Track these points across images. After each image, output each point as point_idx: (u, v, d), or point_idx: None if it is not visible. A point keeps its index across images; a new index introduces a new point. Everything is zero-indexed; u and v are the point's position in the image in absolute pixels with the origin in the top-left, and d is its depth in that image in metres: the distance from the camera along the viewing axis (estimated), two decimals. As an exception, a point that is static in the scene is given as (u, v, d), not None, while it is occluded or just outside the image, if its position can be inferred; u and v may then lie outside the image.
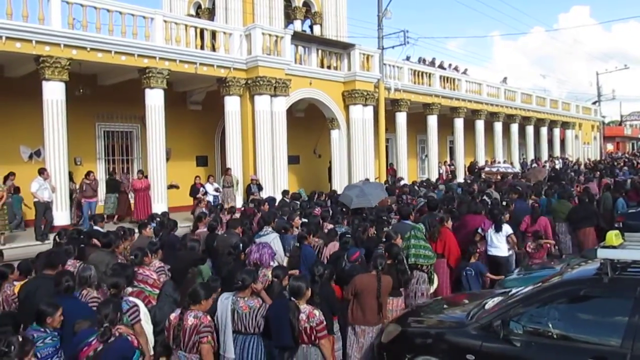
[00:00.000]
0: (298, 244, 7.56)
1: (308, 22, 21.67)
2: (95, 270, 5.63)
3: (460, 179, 22.77)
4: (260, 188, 15.39)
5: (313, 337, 4.69)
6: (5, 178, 12.13)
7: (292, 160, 18.94)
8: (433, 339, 5.21)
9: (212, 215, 10.27)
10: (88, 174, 13.31)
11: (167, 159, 14.95)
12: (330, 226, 9.04)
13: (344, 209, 11.27)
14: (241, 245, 7.03)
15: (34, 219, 11.68)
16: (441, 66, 25.58)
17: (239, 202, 15.30)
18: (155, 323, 5.27)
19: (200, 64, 14.90)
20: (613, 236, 4.34)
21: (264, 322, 4.91)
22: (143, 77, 13.93)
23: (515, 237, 8.94)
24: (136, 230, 9.01)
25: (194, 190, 15.34)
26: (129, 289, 5.57)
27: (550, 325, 4.37)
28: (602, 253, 4.24)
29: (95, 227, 9.41)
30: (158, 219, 9.94)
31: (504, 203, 11.11)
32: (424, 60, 25.16)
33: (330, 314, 5.44)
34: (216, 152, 19.05)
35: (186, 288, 5.32)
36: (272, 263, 6.38)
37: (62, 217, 12.24)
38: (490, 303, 5.23)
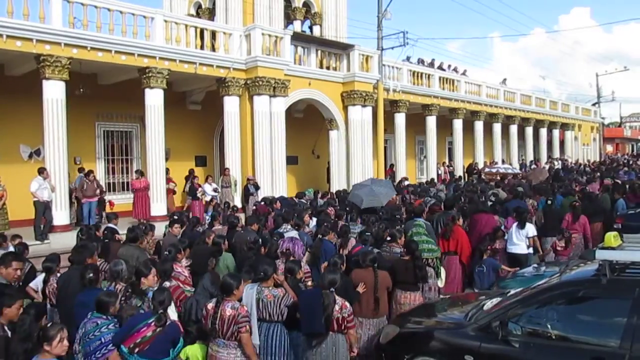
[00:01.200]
0: (321, 239, 7.83)
1: (308, 22, 21.65)
2: (125, 264, 6.00)
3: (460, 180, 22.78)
4: (257, 188, 15.41)
5: (343, 327, 5.07)
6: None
7: (291, 160, 18.94)
8: (431, 339, 5.23)
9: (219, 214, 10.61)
10: (88, 173, 13.31)
11: (167, 159, 14.95)
12: (341, 223, 9.25)
13: (352, 209, 11.30)
14: (260, 240, 7.52)
15: (34, 219, 11.67)
16: (440, 67, 25.57)
17: (237, 203, 15.32)
18: (191, 314, 5.54)
19: (200, 64, 14.90)
20: (612, 237, 4.36)
21: (287, 311, 5.23)
22: (143, 77, 13.93)
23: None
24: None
25: (192, 190, 15.37)
26: (167, 284, 5.80)
27: (549, 326, 4.38)
28: (600, 254, 4.26)
29: (110, 225, 9.62)
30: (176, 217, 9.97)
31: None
32: (423, 62, 25.17)
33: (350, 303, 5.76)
34: (215, 152, 19.05)
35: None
36: (302, 256, 6.78)
37: (61, 216, 12.24)
38: (489, 304, 5.24)
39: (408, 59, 23.27)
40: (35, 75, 12.31)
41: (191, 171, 16.49)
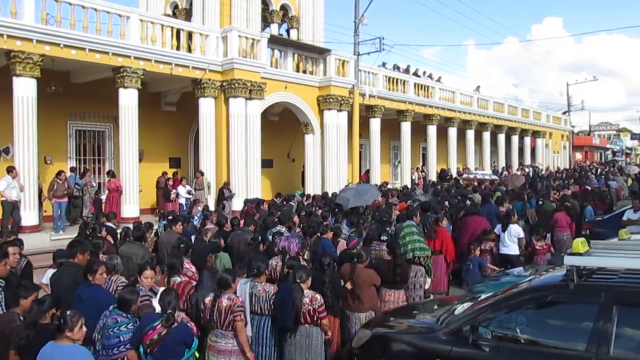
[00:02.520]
0: (319, 237, 8.24)
1: (285, 26, 21.66)
2: (120, 259, 6.32)
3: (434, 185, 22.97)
4: (230, 196, 15.31)
5: (315, 318, 5.44)
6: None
7: (266, 164, 18.89)
8: (403, 344, 5.26)
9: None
10: (59, 173, 13.03)
11: (140, 160, 14.76)
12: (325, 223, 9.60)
13: (339, 211, 11.74)
14: (260, 237, 8.02)
15: (1, 219, 11.40)
16: (415, 74, 25.84)
17: (210, 205, 15.22)
18: (198, 309, 5.70)
19: (176, 64, 14.76)
20: (579, 243, 4.44)
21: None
22: (117, 76, 13.73)
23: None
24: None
25: (165, 193, 15.20)
26: (177, 279, 6.11)
27: (519, 331, 4.45)
28: (568, 260, 4.35)
29: (108, 224, 9.81)
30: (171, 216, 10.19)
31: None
32: (399, 68, 25.40)
33: (336, 297, 6.23)
34: (189, 154, 18.86)
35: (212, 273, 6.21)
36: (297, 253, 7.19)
37: (30, 217, 11.99)
38: (460, 308, 5.30)
39: (384, 64, 23.45)
40: (6, 72, 12.03)
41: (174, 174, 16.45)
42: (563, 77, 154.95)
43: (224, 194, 15.19)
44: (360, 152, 21.64)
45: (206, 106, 15.78)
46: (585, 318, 4.13)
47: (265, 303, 5.59)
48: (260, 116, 16.63)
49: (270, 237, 8.25)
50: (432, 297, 8.32)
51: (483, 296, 5.52)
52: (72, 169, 14.20)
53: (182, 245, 7.04)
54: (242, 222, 9.68)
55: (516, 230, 9.64)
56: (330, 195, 15.46)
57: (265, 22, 20.48)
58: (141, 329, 4.64)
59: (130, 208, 13.89)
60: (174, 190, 15.01)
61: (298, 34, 20.55)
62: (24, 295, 4.80)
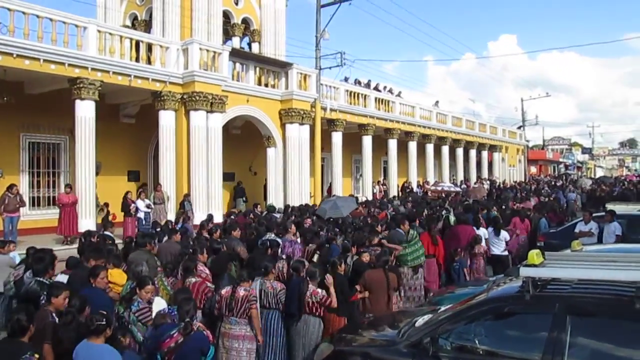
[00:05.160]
0: (328, 245, 8.85)
1: (247, 39, 21.66)
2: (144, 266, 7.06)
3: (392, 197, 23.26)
4: (190, 204, 15.12)
5: (314, 310, 6.33)
6: None
7: (227, 177, 18.75)
8: (365, 357, 5.26)
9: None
10: (11, 187, 12.56)
11: (97, 173, 14.40)
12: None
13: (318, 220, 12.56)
14: (268, 242, 8.60)
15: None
16: (376, 88, 26.21)
17: (170, 219, 14.96)
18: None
19: (135, 76, 14.55)
20: (534, 255, 4.54)
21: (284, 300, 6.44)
22: (73, 88, 13.41)
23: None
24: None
25: (124, 206, 14.82)
26: (192, 280, 6.57)
27: (477, 342, 4.51)
28: (524, 271, 4.44)
29: (107, 232, 10.15)
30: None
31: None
32: (360, 82, 25.70)
33: (342, 297, 6.67)
34: (149, 167, 18.53)
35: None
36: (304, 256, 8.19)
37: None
38: (420, 321, 5.34)
39: (346, 79, 23.68)
40: (-45, 82, 11.62)
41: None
42: (518, 92, 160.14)
43: (184, 207, 14.96)
44: (322, 166, 21.75)
45: (166, 119, 15.56)
46: (541, 328, 4.21)
47: (273, 298, 6.39)
48: (221, 129, 16.51)
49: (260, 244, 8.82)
50: (431, 294, 9.00)
51: (443, 308, 5.58)
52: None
53: (195, 249, 7.75)
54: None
55: (504, 234, 11.02)
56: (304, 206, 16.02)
57: (227, 35, 20.42)
58: (158, 337, 4.88)
59: (86, 222, 13.51)
60: (132, 204, 14.65)
61: (260, 48, 20.56)
62: (56, 294, 5.17)
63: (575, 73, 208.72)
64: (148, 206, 14.74)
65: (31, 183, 15.45)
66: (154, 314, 5.48)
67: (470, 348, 4.55)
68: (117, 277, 6.77)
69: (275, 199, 18.77)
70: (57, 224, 13.41)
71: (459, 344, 4.61)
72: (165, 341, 4.79)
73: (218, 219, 14.07)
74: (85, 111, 13.54)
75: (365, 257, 7.91)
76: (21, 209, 12.88)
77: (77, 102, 13.50)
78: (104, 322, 4.36)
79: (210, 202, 15.90)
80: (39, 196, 15.73)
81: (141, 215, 14.40)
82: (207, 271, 7.25)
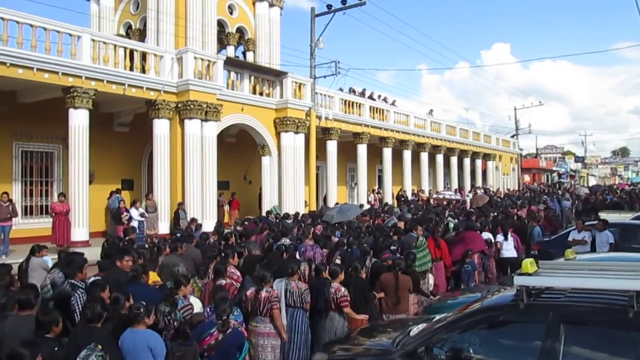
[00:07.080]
0: (349, 249, 9.44)
1: (241, 48, 21.70)
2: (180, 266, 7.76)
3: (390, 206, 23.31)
4: (185, 212, 15.08)
5: (341, 304, 6.79)
6: None
7: (222, 185, 18.71)
8: (359, 367, 5.24)
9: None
10: (3, 195, 12.50)
11: (91, 182, 14.34)
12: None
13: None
14: (284, 247, 9.34)
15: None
16: (371, 97, 26.28)
17: (163, 228, 14.92)
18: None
19: (129, 85, 14.53)
20: (528, 264, 4.55)
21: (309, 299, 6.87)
22: (67, 97, 13.38)
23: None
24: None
25: (117, 215, 14.77)
26: (222, 281, 6.97)
27: (472, 351, 4.50)
28: (518, 280, 4.44)
29: (128, 238, 10.66)
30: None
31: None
32: (355, 91, 25.77)
33: (363, 299, 7.32)
34: (143, 175, 18.47)
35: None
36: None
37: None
38: (415, 329, 5.33)
39: (341, 89, 23.74)
40: (-53, 91, 11.56)
41: (118, 191, 16.11)
42: (512, 101, 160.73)
43: (179, 215, 14.92)
44: (317, 174, 21.74)
45: (161, 127, 15.54)
46: (535, 337, 4.21)
47: (298, 297, 6.77)
48: (216, 137, 16.50)
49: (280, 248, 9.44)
50: (438, 297, 9.09)
51: (437, 317, 5.57)
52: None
53: (227, 252, 8.29)
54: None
55: (511, 238, 11.73)
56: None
57: (222, 44, 20.47)
58: (198, 335, 5.19)
59: (79, 232, 13.45)
60: (125, 213, 14.60)
61: (254, 57, 20.61)
62: (100, 290, 5.61)
63: (569, 82, 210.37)
64: (142, 215, 14.71)
65: (24, 192, 15.36)
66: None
67: (464, 357, 4.54)
68: (152, 278, 7.27)
69: (269, 208, 18.71)
70: (50, 233, 13.36)
71: (454, 353, 4.60)
72: (205, 339, 5.10)
73: (210, 227, 13.98)
74: (79, 120, 13.51)
75: (389, 261, 8.44)
76: (13, 218, 12.82)
77: (71, 110, 13.47)
78: (141, 311, 4.86)
79: (205, 211, 15.85)
80: (31, 205, 15.63)
81: (135, 223, 14.34)
82: (238, 273, 7.69)
